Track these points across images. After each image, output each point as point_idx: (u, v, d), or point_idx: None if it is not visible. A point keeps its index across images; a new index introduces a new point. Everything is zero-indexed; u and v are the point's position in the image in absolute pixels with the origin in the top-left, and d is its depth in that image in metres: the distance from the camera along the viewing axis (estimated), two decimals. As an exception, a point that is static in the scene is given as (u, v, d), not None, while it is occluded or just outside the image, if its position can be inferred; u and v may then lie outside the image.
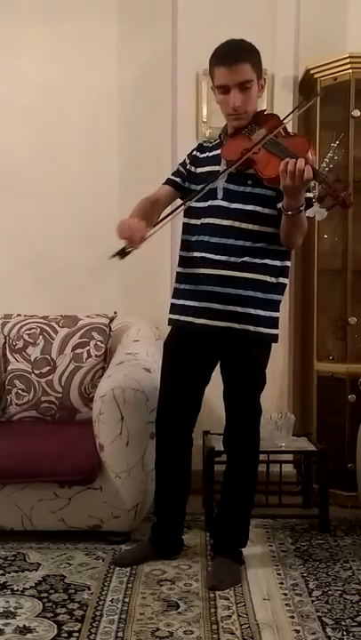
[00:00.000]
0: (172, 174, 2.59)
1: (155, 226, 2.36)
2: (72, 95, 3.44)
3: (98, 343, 3.15)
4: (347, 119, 3.12)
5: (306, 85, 3.33)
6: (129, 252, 2.27)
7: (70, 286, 3.43)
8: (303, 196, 2.24)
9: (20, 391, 3.12)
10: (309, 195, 2.35)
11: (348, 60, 3.08)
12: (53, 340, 3.17)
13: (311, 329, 3.28)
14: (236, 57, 2.32)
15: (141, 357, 2.92)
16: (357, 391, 3.04)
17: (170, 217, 2.39)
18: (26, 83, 3.44)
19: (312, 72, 3.19)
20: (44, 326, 3.21)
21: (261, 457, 2.95)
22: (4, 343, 3.22)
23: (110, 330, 3.21)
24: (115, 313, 3.27)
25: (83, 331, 3.18)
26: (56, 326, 3.21)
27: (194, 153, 2.56)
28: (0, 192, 3.48)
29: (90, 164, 3.45)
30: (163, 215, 2.46)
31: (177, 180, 2.56)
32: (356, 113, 3.09)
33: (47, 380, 3.11)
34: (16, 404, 3.12)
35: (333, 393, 3.20)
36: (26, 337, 3.19)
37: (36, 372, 3.13)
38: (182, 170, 2.56)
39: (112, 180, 3.46)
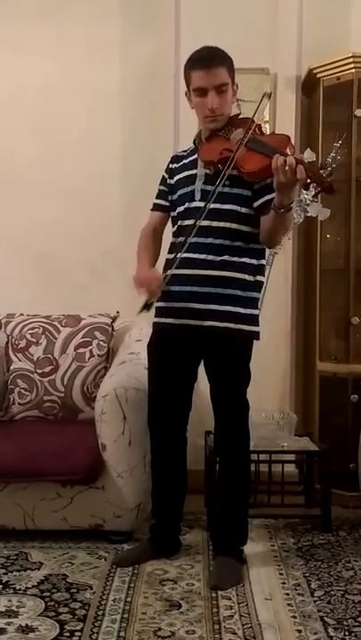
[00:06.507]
0: (156, 197, 2.64)
1: (167, 266, 2.47)
2: (74, 95, 3.45)
3: (100, 343, 3.15)
4: (350, 119, 3.12)
5: (309, 85, 3.33)
6: (152, 303, 2.39)
7: (73, 286, 3.43)
8: (295, 193, 2.27)
9: (22, 390, 3.12)
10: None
11: (351, 60, 3.08)
12: (56, 339, 3.17)
13: (314, 329, 3.28)
14: (213, 61, 2.40)
15: (144, 357, 2.90)
16: (360, 391, 3.03)
17: (180, 254, 2.41)
18: (28, 83, 3.45)
19: (315, 72, 3.19)
20: (47, 326, 3.21)
21: (263, 457, 2.97)
22: (7, 342, 3.22)
23: (113, 329, 3.21)
24: (117, 312, 3.27)
25: (85, 330, 3.18)
26: (59, 326, 3.21)
27: (170, 166, 2.62)
28: (3, 191, 3.49)
29: (92, 164, 3.45)
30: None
31: (162, 202, 2.63)
32: (358, 112, 3.09)
33: (50, 380, 3.11)
34: (18, 404, 3.12)
35: (336, 393, 3.19)
36: (28, 336, 3.20)
37: (38, 371, 3.13)
38: (163, 188, 2.62)
39: (114, 180, 3.46)
